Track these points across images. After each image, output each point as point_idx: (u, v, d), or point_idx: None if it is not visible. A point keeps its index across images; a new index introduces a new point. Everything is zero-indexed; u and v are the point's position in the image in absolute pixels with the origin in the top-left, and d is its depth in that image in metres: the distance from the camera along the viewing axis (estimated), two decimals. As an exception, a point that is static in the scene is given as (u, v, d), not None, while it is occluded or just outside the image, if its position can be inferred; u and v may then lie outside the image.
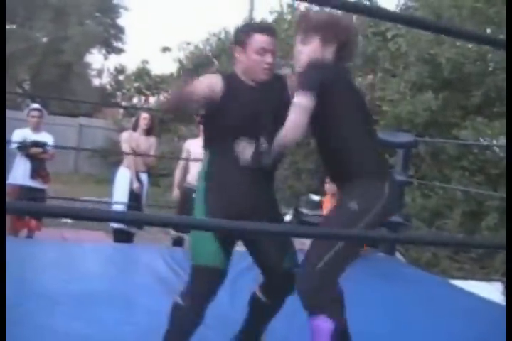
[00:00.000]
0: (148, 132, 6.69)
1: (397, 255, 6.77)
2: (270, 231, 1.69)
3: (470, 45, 8.73)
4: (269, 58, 2.79)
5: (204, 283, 2.80)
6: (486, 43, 1.97)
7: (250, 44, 2.79)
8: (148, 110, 11.33)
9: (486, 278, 7.06)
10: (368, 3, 9.66)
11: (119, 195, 6.48)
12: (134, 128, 6.71)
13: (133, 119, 7.10)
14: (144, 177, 6.61)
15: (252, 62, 2.80)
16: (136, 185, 6.46)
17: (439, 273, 7.23)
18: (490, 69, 9.00)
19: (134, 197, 6.45)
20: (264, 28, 2.90)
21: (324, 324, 2.51)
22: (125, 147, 6.58)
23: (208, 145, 2.94)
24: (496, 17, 8.37)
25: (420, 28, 1.86)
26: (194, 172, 6.35)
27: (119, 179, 6.61)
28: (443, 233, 7.69)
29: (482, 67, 8.76)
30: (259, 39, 2.79)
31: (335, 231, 1.51)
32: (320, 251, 2.57)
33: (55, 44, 24.32)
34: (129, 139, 6.59)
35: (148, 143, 6.63)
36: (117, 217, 1.64)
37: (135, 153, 6.49)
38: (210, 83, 2.82)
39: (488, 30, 8.52)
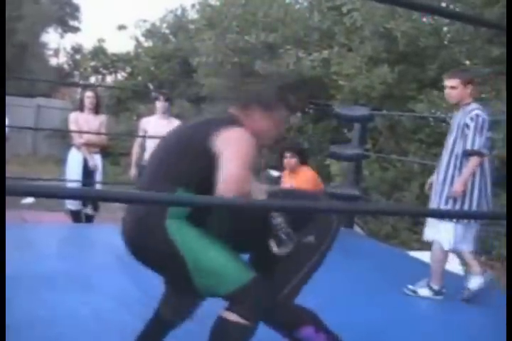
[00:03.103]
0: (96, 110, 6.56)
1: (356, 228, 6.85)
2: (236, 205, 1.69)
3: (424, 19, 8.79)
4: None
5: (258, 297, 2.37)
6: (486, 26, 1.99)
7: None
8: (108, 88, 11.22)
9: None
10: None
11: (72, 176, 6.37)
12: (81, 108, 6.56)
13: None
14: (96, 157, 6.49)
15: None
16: (91, 162, 6.36)
17: (398, 244, 7.34)
18: (445, 42, 9.07)
19: (87, 176, 6.34)
20: None
21: (310, 332, 2.42)
22: (72, 127, 6.47)
23: None
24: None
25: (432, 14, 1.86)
26: (151, 150, 6.30)
27: (69, 160, 6.51)
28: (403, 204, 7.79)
29: (437, 40, 8.83)
30: None
31: (288, 203, 1.52)
32: (288, 274, 2.48)
33: (9, 23, 23.82)
34: (76, 120, 6.47)
35: (97, 122, 6.49)
36: (82, 194, 1.61)
37: (83, 132, 6.35)
38: None
39: (443, 4, 8.57)
